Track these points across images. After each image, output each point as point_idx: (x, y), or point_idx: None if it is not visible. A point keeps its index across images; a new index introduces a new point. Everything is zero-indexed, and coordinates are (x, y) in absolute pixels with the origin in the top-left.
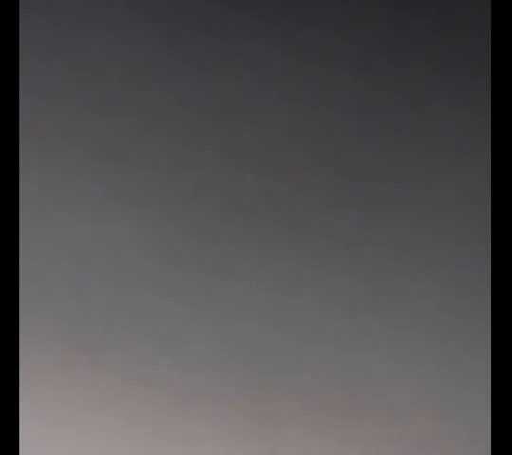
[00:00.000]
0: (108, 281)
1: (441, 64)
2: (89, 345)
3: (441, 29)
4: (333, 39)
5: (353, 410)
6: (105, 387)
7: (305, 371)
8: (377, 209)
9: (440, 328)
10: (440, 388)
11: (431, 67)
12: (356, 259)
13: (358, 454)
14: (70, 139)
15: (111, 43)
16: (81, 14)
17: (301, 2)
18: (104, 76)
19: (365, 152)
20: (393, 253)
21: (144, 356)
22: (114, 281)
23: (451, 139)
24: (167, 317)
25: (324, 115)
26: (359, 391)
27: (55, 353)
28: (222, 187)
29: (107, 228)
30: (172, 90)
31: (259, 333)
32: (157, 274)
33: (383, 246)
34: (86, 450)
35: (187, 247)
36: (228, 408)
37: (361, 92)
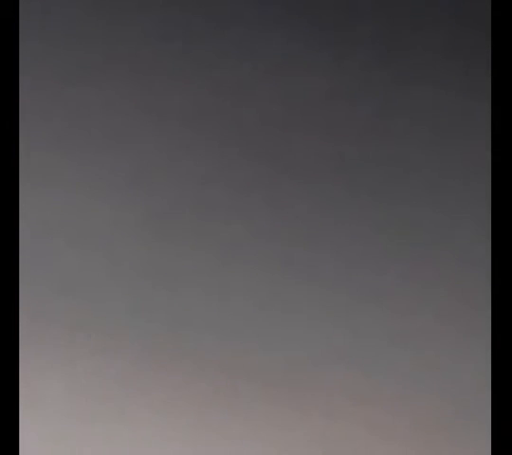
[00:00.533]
0: (105, 254)
1: (442, 64)
2: (91, 321)
3: (441, 24)
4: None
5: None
6: (112, 372)
7: (305, 353)
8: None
9: (442, 311)
10: (440, 370)
11: (432, 66)
12: (349, 241)
13: (360, 435)
14: (71, 117)
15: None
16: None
17: None
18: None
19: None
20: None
21: (144, 343)
22: (109, 256)
23: (452, 137)
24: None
25: (321, 107)
26: (361, 373)
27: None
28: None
29: (103, 203)
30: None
31: (260, 316)
32: (154, 251)
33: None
34: (86, 427)
35: (182, 220)
36: (235, 390)
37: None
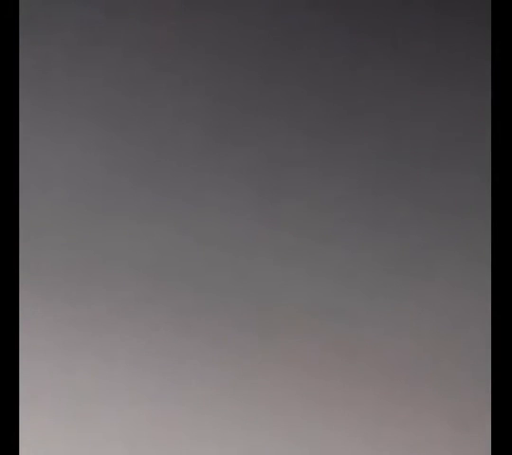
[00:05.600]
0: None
1: (440, 56)
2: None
3: (440, 13)
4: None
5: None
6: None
7: (305, 305)
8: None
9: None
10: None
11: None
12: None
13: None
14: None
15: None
16: None
17: None
18: None
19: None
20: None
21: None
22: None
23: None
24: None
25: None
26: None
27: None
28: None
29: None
30: None
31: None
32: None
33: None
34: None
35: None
36: (239, 349)
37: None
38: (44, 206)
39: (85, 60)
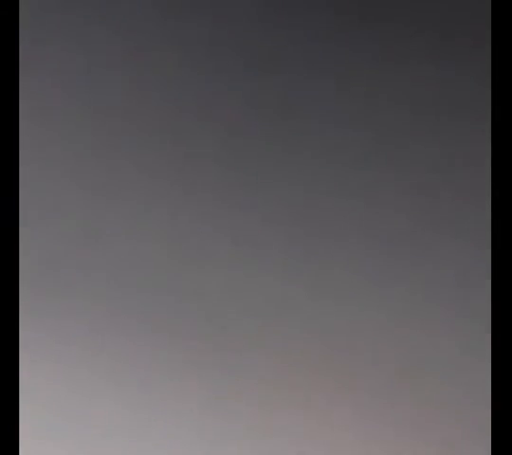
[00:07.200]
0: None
1: (442, 55)
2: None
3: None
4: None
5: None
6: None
7: (306, 320)
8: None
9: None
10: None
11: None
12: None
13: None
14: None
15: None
16: None
17: None
18: None
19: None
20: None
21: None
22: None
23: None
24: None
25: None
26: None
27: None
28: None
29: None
30: None
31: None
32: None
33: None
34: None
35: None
36: (240, 352)
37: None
38: (44, 213)
39: (85, 60)
